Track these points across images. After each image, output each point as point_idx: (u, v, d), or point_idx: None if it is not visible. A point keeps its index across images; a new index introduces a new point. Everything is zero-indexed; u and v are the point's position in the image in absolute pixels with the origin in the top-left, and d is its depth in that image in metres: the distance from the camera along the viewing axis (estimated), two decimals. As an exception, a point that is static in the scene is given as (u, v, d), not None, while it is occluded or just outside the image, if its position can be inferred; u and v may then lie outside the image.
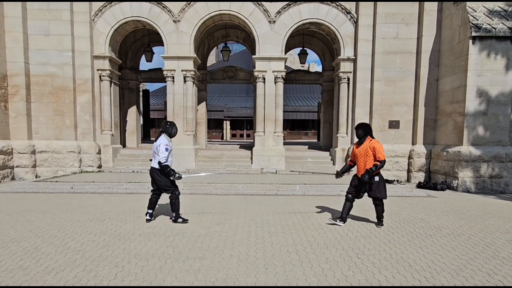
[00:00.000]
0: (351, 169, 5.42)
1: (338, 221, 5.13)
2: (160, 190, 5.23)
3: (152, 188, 5.31)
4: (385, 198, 5.03)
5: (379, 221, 5.15)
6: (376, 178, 4.96)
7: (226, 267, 3.48)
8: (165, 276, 3.25)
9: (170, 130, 5.17)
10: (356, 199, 5.20)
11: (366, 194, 5.17)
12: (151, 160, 5.25)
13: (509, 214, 6.11)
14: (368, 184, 4.98)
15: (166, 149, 4.99)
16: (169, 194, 5.16)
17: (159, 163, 4.97)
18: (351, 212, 5.82)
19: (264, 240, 4.39)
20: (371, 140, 4.99)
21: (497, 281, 3.21)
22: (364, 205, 6.28)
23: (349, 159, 5.41)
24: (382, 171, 10.71)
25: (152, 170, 5.14)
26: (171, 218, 5.30)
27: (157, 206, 5.48)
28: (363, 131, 5.05)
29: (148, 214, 5.22)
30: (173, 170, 5.05)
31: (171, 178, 5.06)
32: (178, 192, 5.21)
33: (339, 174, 5.45)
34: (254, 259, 3.72)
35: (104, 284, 3.07)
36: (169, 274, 3.29)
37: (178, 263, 3.57)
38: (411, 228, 5.04)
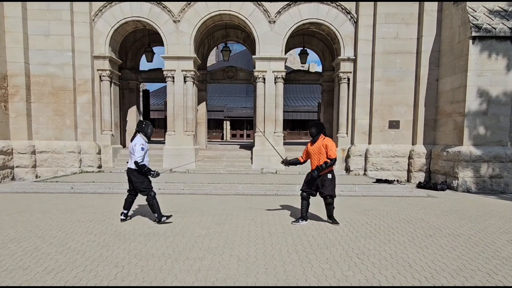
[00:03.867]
0: (298, 164, 5.46)
1: (300, 220, 5.23)
2: (136, 191, 5.20)
3: (128, 188, 5.28)
4: (335, 196, 5.15)
5: (332, 219, 5.21)
6: (329, 176, 5.06)
7: (226, 267, 3.48)
8: (165, 276, 3.24)
9: (146, 129, 5.15)
10: (311, 197, 5.26)
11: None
12: (127, 162, 5.21)
13: (509, 214, 6.11)
14: (321, 182, 5.06)
15: (142, 149, 4.94)
16: (146, 197, 5.12)
17: (136, 162, 4.93)
18: (351, 212, 5.83)
19: (264, 240, 4.39)
20: (324, 138, 5.09)
21: (497, 281, 3.21)
22: (363, 205, 6.28)
23: (301, 155, 5.45)
24: (382, 171, 10.74)
25: (129, 171, 5.10)
26: (154, 221, 5.20)
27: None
28: (316, 129, 5.14)
29: (123, 214, 5.22)
30: (149, 169, 5.02)
31: (149, 176, 5.05)
32: (154, 192, 5.16)
33: (285, 162, 5.47)
34: (254, 259, 3.72)
35: (104, 284, 3.07)
36: (169, 274, 3.29)
37: (178, 263, 3.57)
38: (411, 228, 5.04)
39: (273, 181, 8.98)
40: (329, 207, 5.19)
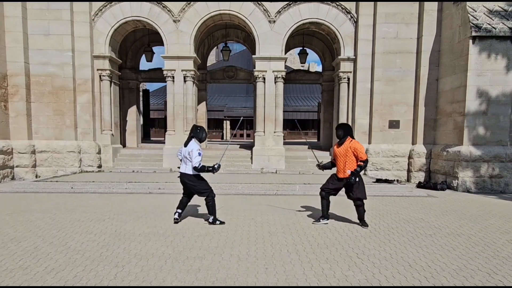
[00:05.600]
0: (333, 168, 5.40)
1: (321, 220, 5.19)
2: (193, 194, 5.23)
3: (183, 193, 5.31)
4: (365, 198, 5.05)
5: (363, 222, 5.12)
6: (356, 179, 4.97)
7: (226, 267, 3.48)
8: (165, 276, 3.24)
9: (201, 135, 5.14)
10: (330, 196, 5.22)
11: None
12: (178, 167, 5.23)
13: (509, 214, 6.11)
14: (348, 185, 4.99)
15: (199, 154, 4.96)
16: (205, 197, 5.13)
17: (195, 168, 4.95)
18: (351, 212, 5.82)
19: (264, 240, 4.39)
20: (351, 140, 5.00)
21: (497, 281, 3.21)
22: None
23: (332, 158, 5.40)
24: (382, 171, 10.75)
25: (183, 176, 5.09)
26: (206, 220, 5.25)
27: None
28: (343, 131, 5.07)
29: (176, 213, 5.20)
30: (208, 166, 5.03)
31: (212, 172, 5.02)
32: (214, 194, 5.19)
33: (320, 167, 5.45)
34: (254, 259, 3.72)
35: (104, 284, 3.07)
36: (169, 274, 3.29)
37: (178, 263, 3.57)
38: (411, 228, 5.04)
39: (273, 180, 8.98)
40: (359, 209, 5.07)
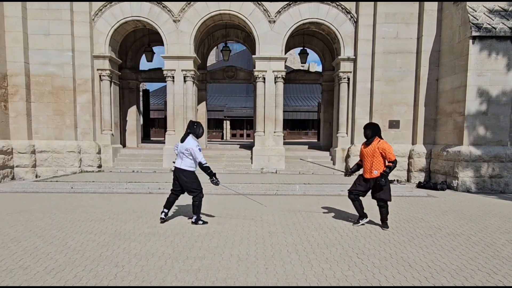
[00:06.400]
0: (360, 169, 5.33)
1: (360, 220, 5.13)
2: (184, 191, 5.21)
3: (172, 188, 5.27)
4: (390, 200, 4.97)
5: (384, 224, 5.06)
6: (382, 180, 4.89)
7: (226, 267, 3.48)
8: (165, 276, 3.24)
9: (198, 131, 5.15)
10: (359, 197, 5.14)
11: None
12: (174, 162, 5.24)
13: (509, 214, 6.11)
14: (374, 185, 4.92)
15: (200, 149, 5.00)
16: (193, 196, 5.13)
17: (200, 163, 4.99)
18: (351, 212, 5.83)
19: (264, 240, 4.39)
20: (379, 141, 4.90)
21: (497, 281, 3.21)
22: (363, 205, 6.25)
23: (359, 159, 5.29)
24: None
25: (178, 170, 5.10)
26: (190, 218, 5.26)
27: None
28: (372, 131, 4.97)
29: (163, 213, 5.19)
30: (215, 174, 5.10)
31: (211, 181, 5.10)
32: (202, 195, 5.19)
33: (348, 173, 5.39)
34: (254, 259, 3.72)
35: (104, 284, 3.07)
36: (169, 274, 3.29)
37: (178, 263, 3.57)
38: (411, 228, 5.04)
39: (273, 180, 8.98)
40: (382, 210, 5.01)
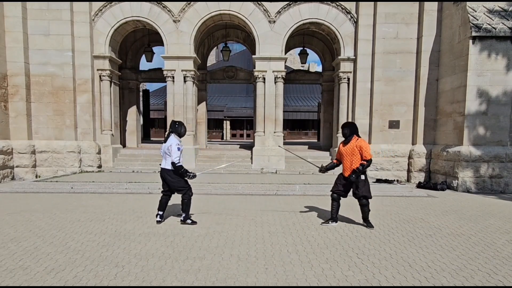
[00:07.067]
0: (336, 168, 5.38)
1: (330, 222, 5.15)
2: (172, 191, 5.20)
3: (162, 189, 5.27)
4: (371, 197, 5.02)
5: (367, 222, 5.09)
6: (362, 177, 4.94)
7: (226, 267, 3.48)
8: (165, 276, 3.25)
9: (180, 129, 5.14)
10: (342, 198, 5.17)
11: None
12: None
13: (509, 214, 6.11)
14: (354, 183, 4.96)
15: (178, 149, 4.97)
16: (182, 194, 5.13)
17: (173, 163, 4.95)
18: (351, 212, 5.83)
19: (264, 240, 4.39)
20: (357, 139, 4.97)
21: (497, 281, 3.21)
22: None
23: (335, 157, 5.37)
24: (382, 171, 10.74)
25: (163, 171, 5.10)
26: (178, 215, 5.26)
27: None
28: (349, 130, 5.03)
29: (158, 216, 5.19)
30: (186, 170, 5.06)
31: (185, 178, 5.07)
32: (191, 192, 5.19)
33: (323, 170, 5.37)
34: (254, 259, 3.72)
35: (104, 284, 3.07)
36: (169, 274, 3.29)
37: (178, 263, 3.57)
38: (411, 228, 5.04)
39: (273, 180, 8.98)
40: (364, 208, 5.04)
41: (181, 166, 4.98)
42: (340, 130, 11.29)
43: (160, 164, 5.24)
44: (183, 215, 5.15)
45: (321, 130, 15.45)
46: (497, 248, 4.17)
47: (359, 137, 5.04)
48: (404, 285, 3.10)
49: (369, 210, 5.11)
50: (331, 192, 5.22)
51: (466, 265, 3.59)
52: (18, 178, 10.08)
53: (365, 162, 4.83)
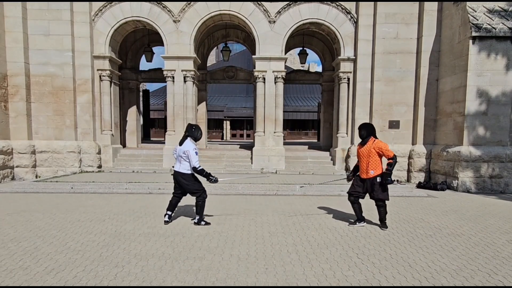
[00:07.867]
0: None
1: (358, 223, 5.12)
2: (185, 193, 5.21)
3: (174, 191, 5.27)
4: (388, 199, 4.98)
5: (383, 224, 5.05)
6: (378, 179, 4.89)
7: (226, 267, 3.48)
8: (165, 276, 3.25)
9: (196, 134, 5.12)
10: (359, 199, 5.12)
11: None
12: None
13: (509, 214, 6.11)
14: (371, 185, 4.92)
15: (196, 153, 4.97)
16: (196, 197, 5.13)
17: (195, 168, 4.95)
18: (351, 212, 5.83)
19: (264, 240, 4.39)
20: (374, 140, 4.92)
21: (497, 281, 3.21)
22: (363, 205, 6.25)
23: (357, 160, 5.29)
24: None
25: (177, 174, 5.09)
26: (192, 219, 5.26)
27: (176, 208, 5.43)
28: (366, 131, 4.99)
29: (166, 216, 5.19)
30: (209, 174, 5.07)
31: (208, 181, 5.08)
32: (206, 195, 5.18)
33: (349, 178, 5.31)
34: (254, 259, 3.72)
35: (104, 284, 3.07)
36: (169, 274, 3.29)
37: (178, 263, 3.57)
38: (411, 228, 5.04)
39: (273, 181, 8.97)
40: (380, 209, 4.99)
41: (202, 169, 5.00)
42: (340, 130, 11.36)
43: (172, 167, 5.25)
44: (197, 217, 5.14)
45: (321, 130, 15.45)
46: (497, 248, 4.17)
47: (376, 138, 4.99)
48: (404, 285, 3.10)
49: (386, 212, 5.06)
50: (348, 194, 5.17)
51: (466, 265, 3.59)
52: (18, 178, 10.08)
53: (391, 161, 4.78)
